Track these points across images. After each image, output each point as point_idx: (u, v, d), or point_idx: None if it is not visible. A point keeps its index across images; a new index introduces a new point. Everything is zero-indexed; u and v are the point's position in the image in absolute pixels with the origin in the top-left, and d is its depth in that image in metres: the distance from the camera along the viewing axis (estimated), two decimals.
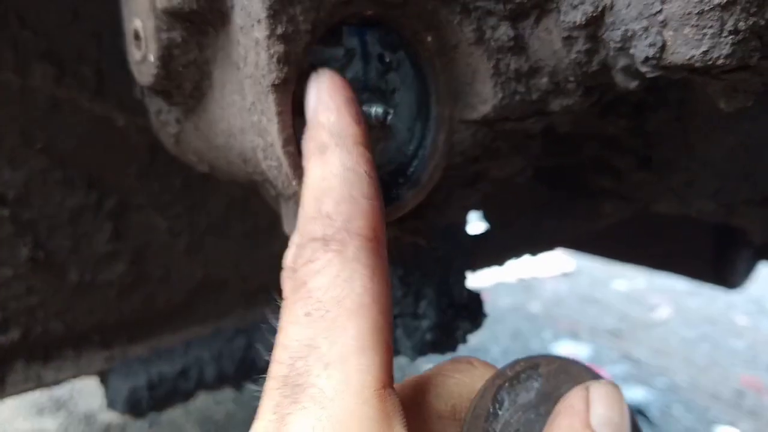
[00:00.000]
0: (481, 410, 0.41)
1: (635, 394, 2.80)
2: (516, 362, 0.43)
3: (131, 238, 1.28)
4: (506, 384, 0.42)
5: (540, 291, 4.08)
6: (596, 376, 0.41)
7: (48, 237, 1.20)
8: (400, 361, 0.69)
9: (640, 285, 4.11)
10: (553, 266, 4.32)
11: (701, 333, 3.48)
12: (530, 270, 4.25)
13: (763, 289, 3.48)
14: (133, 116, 0.90)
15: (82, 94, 0.85)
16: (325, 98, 0.45)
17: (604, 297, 3.99)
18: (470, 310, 0.71)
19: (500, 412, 0.41)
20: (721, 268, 1.45)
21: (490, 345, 3.22)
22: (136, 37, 0.55)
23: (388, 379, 0.37)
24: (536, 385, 0.41)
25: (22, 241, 1.18)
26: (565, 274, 4.33)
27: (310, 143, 0.45)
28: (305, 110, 0.46)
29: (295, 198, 0.49)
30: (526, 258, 0.85)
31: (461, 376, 0.44)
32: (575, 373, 0.41)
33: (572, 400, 0.39)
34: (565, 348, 3.24)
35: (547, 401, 0.40)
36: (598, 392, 0.39)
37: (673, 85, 0.70)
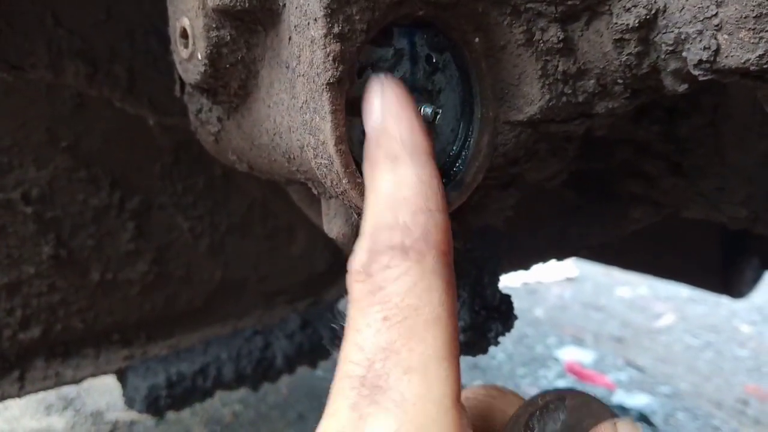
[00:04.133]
0: None
1: (639, 401, 2.81)
2: (545, 393, 0.46)
3: (153, 237, 1.29)
4: (537, 412, 0.45)
5: (544, 296, 4.08)
6: (614, 414, 0.45)
7: (71, 235, 1.21)
8: None
9: (644, 292, 4.12)
10: (558, 272, 4.32)
11: (705, 341, 3.48)
12: (535, 275, 4.25)
13: (766, 297, 3.48)
14: (163, 116, 0.90)
15: (114, 92, 0.86)
16: (395, 108, 0.46)
17: (608, 303, 3.99)
18: (502, 312, 0.71)
19: None
20: (729, 278, 1.45)
21: (495, 350, 3.21)
22: (184, 35, 0.55)
23: (459, 391, 0.38)
24: (562, 416, 0.45)
25: (44, 239, 1.19)
26: (569, 280, 4.34)
27: (378, 151, 0.45)
28: (365, 116, 0.47)
29: (344, 196, 0.50)
30: (555, 262, 0.86)
31: (494, 400, 0.48)
32: (596, 410, 0.45)
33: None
34: (570, 353, 3.24)
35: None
36: (624, 428, 0.42)
37: (706, 91, 0.71)
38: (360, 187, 0.49)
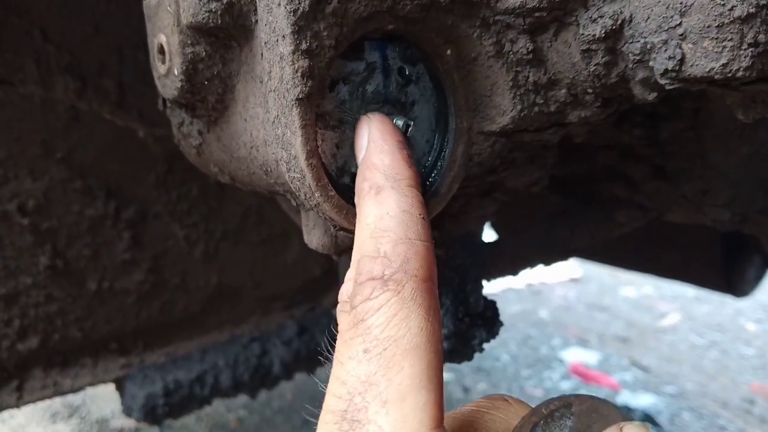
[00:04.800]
0: None
1: (644, 401, 2.80)
2: (550, 401, 0.45)
3: (149, 246, 1.30)
4: (541, 422, 0.44)
5: (549, 297, 4.08)
6: (626, 417, 0.43)
7: (67, 246, 1.22)
8: None
9: (649, 292, 4.10)
10: (562, 273, 4.31)
11: (710, 340, 3.46)
12: (539, 276, 4.24)
13: None
14: (153, 127, 0.91)
15: (104, 106, 0.87)
16: (379, 140, 0.48)
17: (612, 304, 3.98)
18: (486, 319, 0.72)
19: None
20: (731, 276, 1.45)
21: (499, 352, 3.22)
22: (161, 51, 0.56)
23: (440, 416, 0.39)
24: (569, 423, 0.44)
25: (41, 249, 1.20)
26: (573, 281, 4.33)
27: (363, 183, 0.47)
28: (356, 151, 0.50)
29: (318, 209, 0.50)
30: (539, 267, 0.86)
31: (497, 412, 0.47)
32: (606, 413, 0.43)
33: None
34: (574, 354, 3.24)
35: None
36: (631, 431, 0.41)
37: (687, 95, 0.71)
38: (332, 200, 0.49)
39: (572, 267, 4.27)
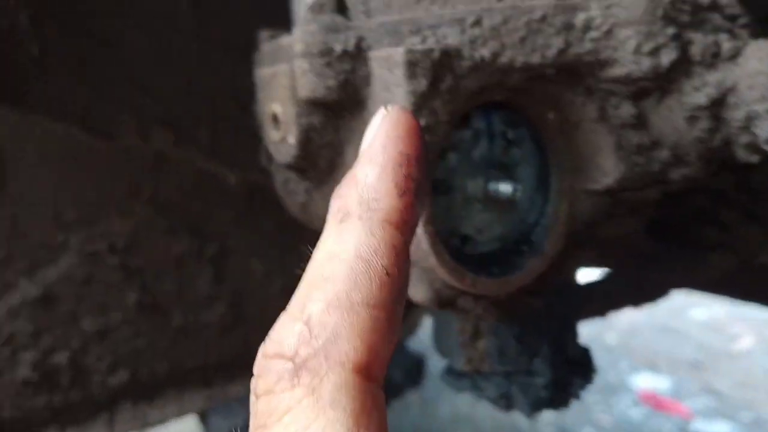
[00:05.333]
0: None
1: (719, 428, 2.71)
2: None
3: (230, 281, 1.34)
4: None
5: (616, 321, 3.99)
6: None
7: (154, 282, 1.27)
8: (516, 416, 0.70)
9: (720, 313, 3.98)
10: None
11: None
12: None
13: None
14: (244, 173, 0.95)
15: (198, 155, 0.91)
16: (377, 147, 0.36)
17: (682, 326, 3.87)
18: (582, 366, 0.72)
19: None
20: None
21: None
22: (275, 119, 0.59)
23: None
24: None
25: (130, 286, 1.25)
26: None
27: (335, 200, 0.37)
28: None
29: (431, 272, 0.52)
30: (628, 308, 0.86)
31: None
32: None
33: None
34: (644, 380, 3.16)
35: None
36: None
37: None
38: (448, 264, 0.51)
39: None
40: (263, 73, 0.60)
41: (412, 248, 0.51)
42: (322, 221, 0.68)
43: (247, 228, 1.36)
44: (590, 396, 3.02)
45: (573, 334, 0.71)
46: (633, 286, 0.84)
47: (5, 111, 0.82)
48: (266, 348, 0.32)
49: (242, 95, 0.86)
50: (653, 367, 3.33)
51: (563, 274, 0.68)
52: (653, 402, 2.95)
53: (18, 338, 1.18)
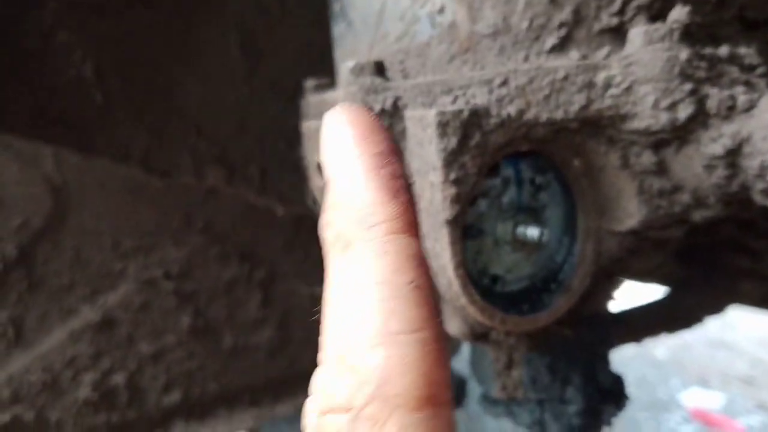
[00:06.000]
0: None
1: None
2: None
3: (278, 304, 1.40)
4: None
5: (666, 336, 3.93)
6: None
7: (206, 306, 1.34)
8: None
9: None
10: None
11: None
12: None
13: None
14: (290, 206, 1.00)
15: (249, 191, 0.97)
16: (346, 157, 0.31)
17: (735, 341, 3.79)
18: (615, 394, 0.74)
19: None
20: None
21: None
22: (319, 168, 0.64)
23: None
24: None
25: (184, 311, 1.32)
26: None
27: (327, 230, 0.32)
28: (321, 165, 0.35)
29: (462, 312, 0.56)
30: (665, 335, 0.88)
31: None
32: None
33: None
34: (695, 396, 3.10)
35: None
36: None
37: None
38: (477, 305, 0.55)
39: None
40: (310, 124, 0.65)
41: (443, 288, 0.55)
42: None
43: (294, 253, 1.41)
44: (640, 413, 2.99)
45: (605, 362, 0.74)
46: (666, 313, 0.85)
47: (71, 153, 0.89)
48: (316, 404, 0.29)
49: (289, 135, 0.92)
50: (705, 383, 3.27)
51: (593, 306, 0.71)
52: (704, 419, 2.90)
53: (79, 360, 1.25)
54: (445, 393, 0.27)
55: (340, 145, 0.32)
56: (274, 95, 0.93)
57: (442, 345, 0.27)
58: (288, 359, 1.43)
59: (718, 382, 3.27)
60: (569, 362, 0.72)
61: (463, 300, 0.54)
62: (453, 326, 0.64)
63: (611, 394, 0.74)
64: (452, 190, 0.51)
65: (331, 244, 0.32)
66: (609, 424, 0.74)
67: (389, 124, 0.55)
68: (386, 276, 0.28)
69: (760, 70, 0.53)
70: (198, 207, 1.31)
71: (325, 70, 0.72)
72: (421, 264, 0.29)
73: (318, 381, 0.30)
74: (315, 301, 1.47)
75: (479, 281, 0.57)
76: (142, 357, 1.31)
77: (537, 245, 0.57)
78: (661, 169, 0.55)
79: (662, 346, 3.76)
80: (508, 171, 0.57)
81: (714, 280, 0.83)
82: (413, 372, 0.26)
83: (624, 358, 3.60)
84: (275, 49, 0.93)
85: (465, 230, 0.56)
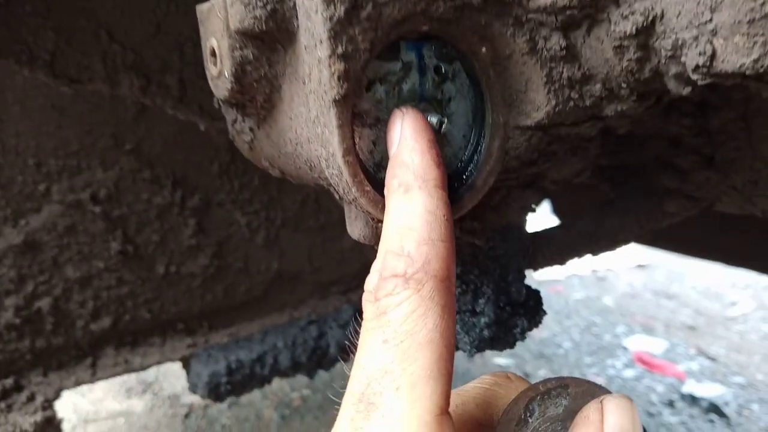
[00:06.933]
0: (513, 415, 0.47)
1: (711, 391, 2.73)
2: (548, 380, 0.48)
3: (213, 232, 1.36)
4: (538, 397, 0.48)
5: (614, 284, 4.00)
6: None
7: (137, 232, 1.30)
8: (458, 356, 0.72)
9: (719, 280, 3.97)
10: (628, 259, 4.22)
11: None
12: (604, 262, 4.17)
13: None
14: (213, 121, 0.96)
15: (166, 101, 0.92)
16: (411, 138, 0.49)
17: (680, 291, 3.88)
18: (528, 308, 0.73)
19: (530, 420, 0.47)
20: None
21: (561, 338, 3.19)
22: (213, 54, 0.59)
23: (446, 405, 0.42)
24: (564, 402, 0.47)
25: (112, 236, 1.28)
26: (640, 267, 4.23)
27: (393, 180, 0.49)
28: (388, 145, 0.51)
29: (355, 203, 0.53)
30: (590, 256, 0.86)
31: (499, 388, 0.52)
32: (598, 396, 0.46)
33: (588, 411, 0.45)
34: (639, 342, 3.18)
35: (572, 417, 0.45)
36: (611, 404, 0.44)
37: (737, 84, 0.70)
38: (368, 195, 0.51)
39: (639, 253, 4.18)
40: (202, 7, 0.61)
41: (335, 180, 0.52)
42: (268, 161, 0.69)
43: (230, 181, 1.37)
44: (585, 357, 3.05)
45: (519, 277, 0.72)
46: (590, 234, 0.84)
47: None
48: (384, 271, 0.45)
49: None
50: (649, 330, 3.35)
51: (507, 217, 0.69)
52: (647, 363, 2.97)
53: (1, 283, 1.21)
54: (454, 277, 0.46)
55: (407, 130, 0.50)
56: None
57: (454, 253, 0.46)
58: (224, 288, 1.41)
59: (662, 330, 3.35)
60: (481, 274, 0.70)
61: (354, 192, 0.51)
62: (356, 229, 0.62)
63: (525, 308, 0.73)
64: (340, 66, 0.47)
65: (395, 188, 0.48)
66: (522, 339, 0.72)
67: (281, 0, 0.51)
68: (432, 209, 0.46)
69: None
70: (127, 126, 1.25)
71: None
72: (449, 208, 0.47)
73: (382, 259, 0.46)
74: (253, 231, 1.44)
75: (375, 175, 0.54)
76: (68, 282, 1.27)
77: (441, 138, 0.54)
78: (570, 54, 0.52)
79: (610, 295, 3.83)
80: (409, 56, 0.54)
81: (640, 200, 0.81)
82: (443, 262, 0.44)
83: (573, 305, 3.66)
84: None
85: (360, 117, 0.52)
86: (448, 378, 0.43)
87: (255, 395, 2.73)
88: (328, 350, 1.39)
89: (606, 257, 4.23)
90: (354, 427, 0.41)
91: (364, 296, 0.46)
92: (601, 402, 0.45)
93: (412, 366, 0.41)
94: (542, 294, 0.75)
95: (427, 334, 0.42)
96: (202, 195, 1.35)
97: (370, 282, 0.46)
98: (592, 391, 0.47)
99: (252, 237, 1.42)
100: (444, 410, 0.42)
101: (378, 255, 0.47)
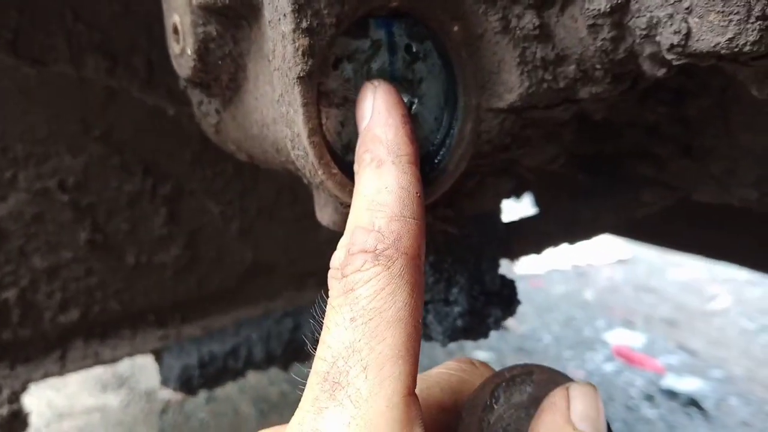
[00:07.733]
0: (479, 401, 0.46)
1: (689, 385, 2.74)
2: (513, 367, 0.48)
3: (185, 222, 1.33)
4: (503, 383, 0.47)
5: (595, 278, 4.01)
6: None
7: (106, 221, 1.26)
8: (431, 346, 0.70)
9: (699, 274, 4.00)
10: (609, 254, 4.24)
11: (761, 324, 3.37)
12: (585, 257, 4.18)
13: None
14: (182, 106, 0.93)
15: (133, 84, 0.89)
16: (384, 113, 0.48)
17: (660, 286, 3.90)
18: (503, 298, 0.71)
19: (495, 407, 0.46)
20: None
21: (541, 332, 3.20)
22: (175, 31, 0.57)
23: (413, 386, 0.41)
24: (529, 389, 0.47)
25: (81, 225, 1.24)
26: (620, 262, 4.25)
27: (365, 154, 0.47)
28: (358, 119, 0.50)
29: (322, 186, 0.51)
30: (567, 246, 0.85)
31: (464, 374, 0.51)
32: (563, 384, 0.46)
33: (555, 398, 0.44)
34: (619, 336, 3.19)
35: (536, 404, 0.45)
36: (577, 391, 0.44)
37: (714, 71, 0.69)
38: (335, 178, 0.50)
39: (620, 248, 4.20)
40: None
41: (302, 163, 0.50)
42: (234, 144, 0.66)
43: (203, 168, 1.34)
44: (565, 351, 3.05)
45: (493, 265, 0.70)
46: (566, 223, 0.83)
47: None
48: (352, 247, 0.43)
49: None
50: (629, 324, 3.36)
51: (480, 204, 0.67)
52: (626, 357, 2.98)
53: None
54: (424, 255, 0.45)
55: (379, 104, 0.48)
56: None
57: (425, 231, 0.45)
58: (196, 279, 1.37)
59: (642, 324, 3.37)
60: (454, 262, 0.68)
61: (320, 174, 0.49)
62: (325, 215, 0.60)
63: (499, 297, 0.71)
64: (304, 41, 0.45)
65: (366, 162, 0.47)
66: (496, 328, 0.71)
67: None
68: (404, 185, 0.45)
69: None
70: (96, 112, 1.22)
71: None
72: (421, 186, 0.46)
73: (350, 234, 0.44)
74: (226, 221, 1.41)
75: (344, 157, 0.52)
76: (35, 272, 1.23)
77: (411, 119, 0.52)
78: (543, 33, 0.51)
79: (590, 288, 3.85)
80: (379, 33, 0.52)
81: (616, 190, 0.80)
82: (414, 239, 0.44)
83: (553, 299, 3.67)
84: None
85: (327, 96, 0.50)
86: (415, 358, 0.41)
87: (232, 390, 2.70)
88: (304, 343, 1.37)
89: (586, 252, 4.24)
90: (318, 407, 0.40)
91: (330, 273, 0.45)
92: (566, 389, 0.44)
93: (380, 345, 0.40)
94: (522, 288, 0.74)
95: (396, 313, 0.41)
96: (174, 183, 1.31)
97: (337, 258, 0.45)
98: (555, 379, 0.47)
99: (226, 227, 1.39)
100: (411, 391, 0.41)
101: (346, 231, 0.46)
